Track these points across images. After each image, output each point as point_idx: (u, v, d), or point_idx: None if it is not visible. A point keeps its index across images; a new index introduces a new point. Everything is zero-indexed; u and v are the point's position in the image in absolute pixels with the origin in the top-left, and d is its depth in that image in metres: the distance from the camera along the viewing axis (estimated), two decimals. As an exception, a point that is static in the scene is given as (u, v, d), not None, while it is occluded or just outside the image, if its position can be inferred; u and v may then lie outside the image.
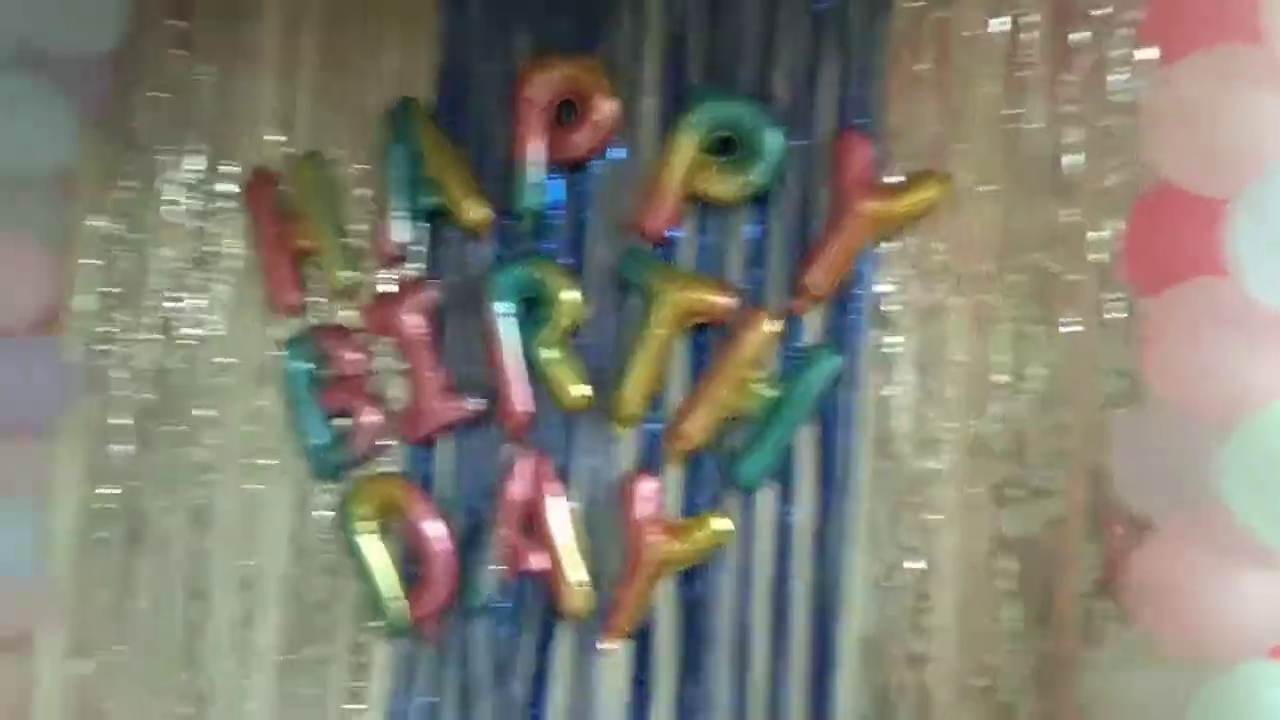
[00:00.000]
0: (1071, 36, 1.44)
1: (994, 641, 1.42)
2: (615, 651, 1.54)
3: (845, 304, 1.47)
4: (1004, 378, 1.44)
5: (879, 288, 1.47)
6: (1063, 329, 1.43)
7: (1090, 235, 1.42)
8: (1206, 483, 1.04)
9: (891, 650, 1.45)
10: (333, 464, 1.65)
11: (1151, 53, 1.28)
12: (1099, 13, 1.43)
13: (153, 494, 1.73)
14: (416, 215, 1.62)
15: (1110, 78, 1.42)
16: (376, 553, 1.61)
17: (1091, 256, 1.42)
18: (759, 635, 1.49)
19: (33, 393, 1.60)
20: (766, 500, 1.50)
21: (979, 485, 1.43)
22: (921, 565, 1.44)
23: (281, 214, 1.68)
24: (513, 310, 1.56)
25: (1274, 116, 1.03)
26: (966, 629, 1.43)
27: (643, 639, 1.54)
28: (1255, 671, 1.06)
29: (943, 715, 1.42)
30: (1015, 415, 1.43)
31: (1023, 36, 1.46)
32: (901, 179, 1.47)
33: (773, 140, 1.47)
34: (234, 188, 1.71)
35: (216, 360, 1.71)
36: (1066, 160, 1.44)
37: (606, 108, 1.53)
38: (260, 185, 1.69)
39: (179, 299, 1.73)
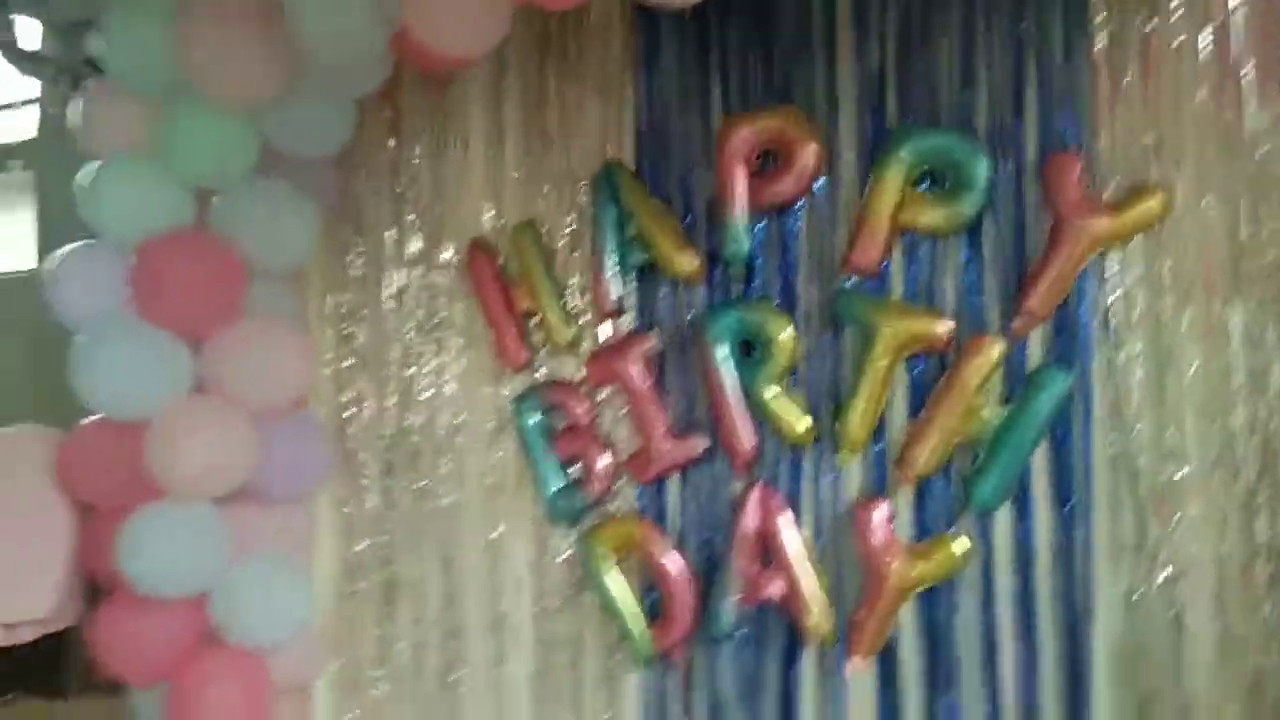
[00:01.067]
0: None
1: (1258, 643, 1.43)
2: (862, 673, 1.60)
3: (1069, 322, 1.49)
4: (1244, 381, 1.43)
5: (1104, 302, 1.49)
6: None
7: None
8: None
9: (1148, 660, 1.47)
10: (569, 508, 1.77)
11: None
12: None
13: (403, 545, 1.89)
14: (629, 271, 1.72)
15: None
16: (620, 588, 1.71)
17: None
18: (1006, 651, 1.53)
19: (301, 464, 1.76)
20: (1002, 520, 1.54)
21: (1227, 492, 1.44)
22: (1172, 575, 1.46)
23: (502, 280, 1.80)
24: (730, 352, 1.63)
25: None
26: (1227, 634, 1.44)
27: (887, 659, 1.59)
28: None
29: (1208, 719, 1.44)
30: (1260, 419, 1.42)
31: (1230, 43, 1.45)
32: (1119, 194, 1.48)
33: (981, 169, 1.50)
34: (454, 258, 1.84)
35: (453, 419, 1.86)
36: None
37: (809, 153, 1.58)
38: (479, 255, 1.81)
39: (413, 365, 1.88)
